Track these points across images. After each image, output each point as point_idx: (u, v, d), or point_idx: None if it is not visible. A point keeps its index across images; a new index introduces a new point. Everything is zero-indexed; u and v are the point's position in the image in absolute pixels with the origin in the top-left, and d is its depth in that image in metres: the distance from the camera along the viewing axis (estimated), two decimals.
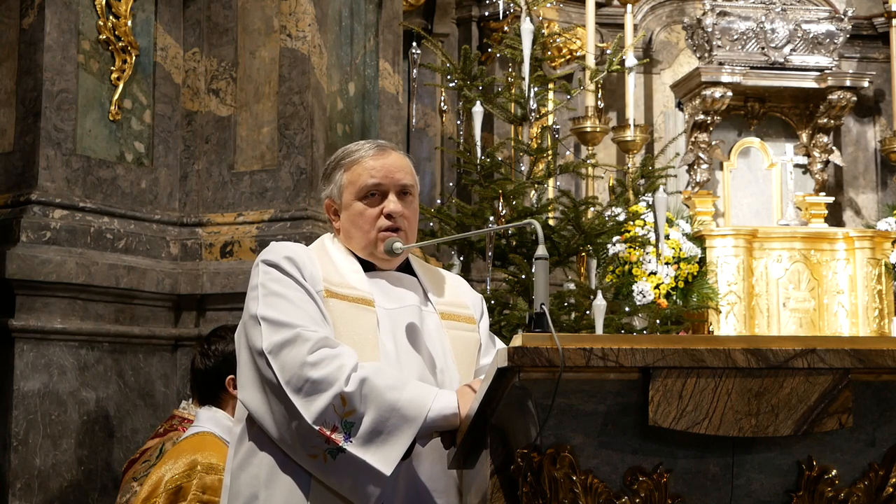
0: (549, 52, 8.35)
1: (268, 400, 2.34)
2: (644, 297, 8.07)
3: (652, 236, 7.49)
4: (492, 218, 5.84)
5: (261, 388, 2.36)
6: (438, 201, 6.91)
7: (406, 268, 2.64)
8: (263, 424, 2.36)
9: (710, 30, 9.10)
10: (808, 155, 9.57)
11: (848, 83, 9.28)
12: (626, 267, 8.34)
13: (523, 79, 6.34)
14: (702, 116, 9.14)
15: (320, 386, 2.28)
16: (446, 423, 2.28)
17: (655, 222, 6.70)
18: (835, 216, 9.64)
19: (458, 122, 6.87)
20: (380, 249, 2.54)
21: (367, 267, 2.57)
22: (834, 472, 2.10)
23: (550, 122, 7.04)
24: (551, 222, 6.46)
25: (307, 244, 2.64)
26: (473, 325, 2.64)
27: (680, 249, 8.54)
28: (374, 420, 2.27)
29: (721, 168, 9.56)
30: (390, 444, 2.26)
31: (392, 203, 2.53)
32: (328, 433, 2.27)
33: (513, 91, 6.66)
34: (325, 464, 2.28)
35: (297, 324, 2.35)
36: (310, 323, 2.36)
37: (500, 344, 2.70)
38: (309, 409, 2.27)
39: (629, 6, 9.02)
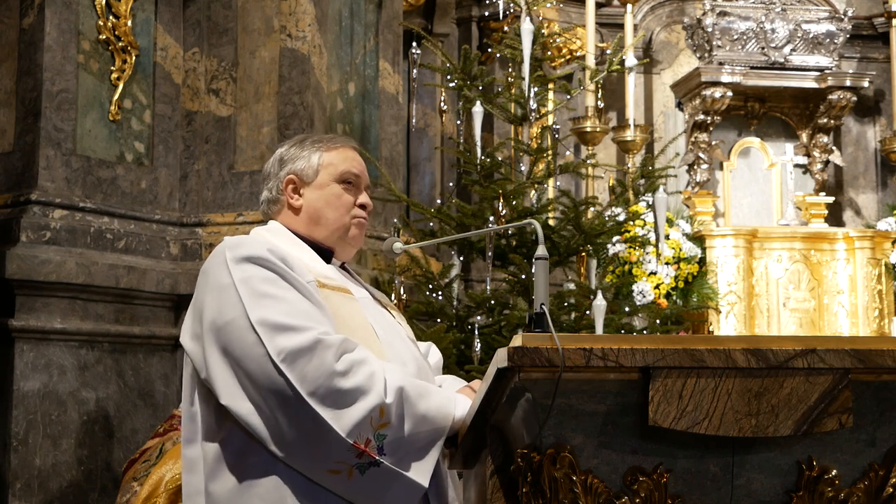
0: (549, 52, 8.34)
1: (272, 411, 2.16)
2: (644, 297, 8.06)
3: (652, 236, 7.49)
4: (492, 218, 5.83)
5: (256, 399, 2.18)
6: (438, 201, 6.90)
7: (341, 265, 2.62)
8: (261, 437, 2.18)
9: (710, 30, 9.10)
10: (808, 155, 9.56)
11: (848, 83, 9.27)
12: (626, 267, 8.34)
13: (523, 79, 6.33)
14: (702, 116, 9.14)
15: (353, 396, 2.15)
16: (461, 428, 2.28)
17: (655, 222, 6.69)
18: (835, 216, 9.63)
19: (458, 122, 6.86)
20: (351, 234, 2.51)
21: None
22: (834, 472, 2.10)
23: (550, 122, 7.03)
24: (551, 222, 6.46)
25: None
26: (401, 315, 2.68)
27: (680, 249, 8.54)
28: (409, 432, 2.19)
29: (721, 168, 9.55)
30: (425, 456, 2.21)
31: (365, 196, 2.54)
32: (362, 446, 2.15)
33: (513, 91, 6.66)
34: (348, 479, 2.16)
35: (308, 326, 2.20)
36: (317, 324, 2.22)
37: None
38: (341, 421, 2.14)
39: (629, 6, 9.01)
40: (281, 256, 2.31)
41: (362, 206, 2.52)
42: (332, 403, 2.15)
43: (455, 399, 2.30)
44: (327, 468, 2.17)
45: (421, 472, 2.20)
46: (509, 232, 5.94)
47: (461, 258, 6.17)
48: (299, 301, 2.26)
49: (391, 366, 2.28)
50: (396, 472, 2.17)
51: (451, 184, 8.08)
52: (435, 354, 2.70)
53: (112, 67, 5.27)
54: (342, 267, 2.59)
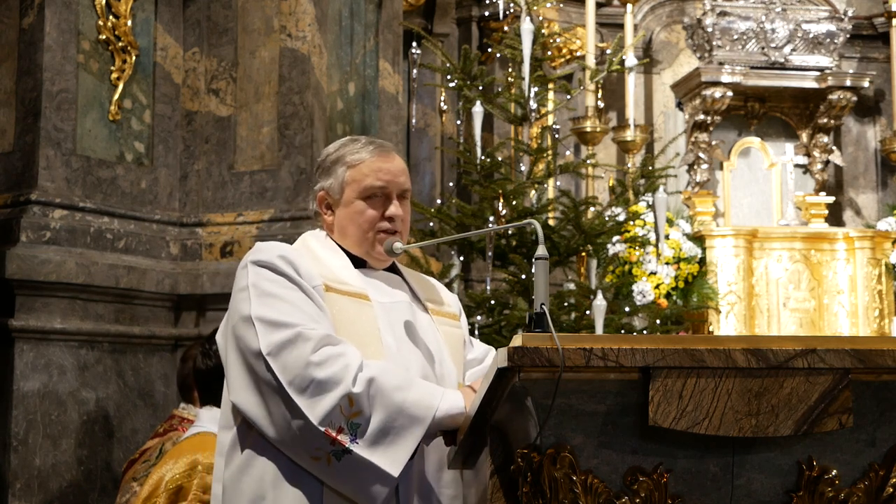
0: (549, 52, 8.35)
1: (265, 402, 2.30)
2: (644, 297, 8.06)
3: (652, 236, 7.49)
4: (492, 218, 5.84)
5: (257, 390, 2.32)
6: (438, 201, 6.90)
7: (391, 268, 2.66)
8: (260, 427, 2.32)
9: (710, 30, 9.10)
10: (808, 155, 9.56)
11: (848, 83, 9.27)
12: (626, 267, 8.34)
13: (523, 79, 6.34)
14: (702, 116, 9.14)
15: (326, 386, 2.25)
16: (453, 423, 2.29)
17: (655, 222, 6.70)
18: (835, 216, 9.63)
19: (458, 122, 6.86)
20: (377, 250, 2.55)
21: (356, 264, 2.56)
22: (834, 472, 2.10)
23: (550, 122, 7.03)
24: (551, 222, 6.46)
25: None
26: (458, 322, 2.71)
27: (680, 249, 8.54)
28: (381, 421, 2.25)
29: (721, 168, 9.55)
30: (398, 445, 2.25)
31: (394, 207, 2.55)
32: (334, 434, 2.24)
33: (513, 91, 6.66)
34: (328, 465, 2.26)
35: (296, 323, 2.31)
36: (308, 321, 2.33)
37: (477, 342, 2.78)
38: (314, 410, 2.24)
39: (629, 6, 9.01)
40: (291, 262, 2.42)
41: (391, 219, 2.54)
42: (307, 392, 2.26)
43: (443, 393, 2.32)
44: (309, 455, 2.28)
45: (391, 462, 2.25)
46: (509, 232, 5.94)
47: (461, 258, 6.18)
48: (302, 301, 2.37)
49: (376, 361, 2.34)
50: (365, 461, 2.24)
51: (451, 184, 8.08)
52: (489, 359, 2.71)
53: (112, 67, 5.27)
54: (391, 268, 2.64)
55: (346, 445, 2.24)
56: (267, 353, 2.29)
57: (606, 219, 6.38)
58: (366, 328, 2.43)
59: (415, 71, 6.90)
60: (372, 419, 2.25)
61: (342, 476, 2.27)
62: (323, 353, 2.28)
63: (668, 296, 8.41)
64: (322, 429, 2.24)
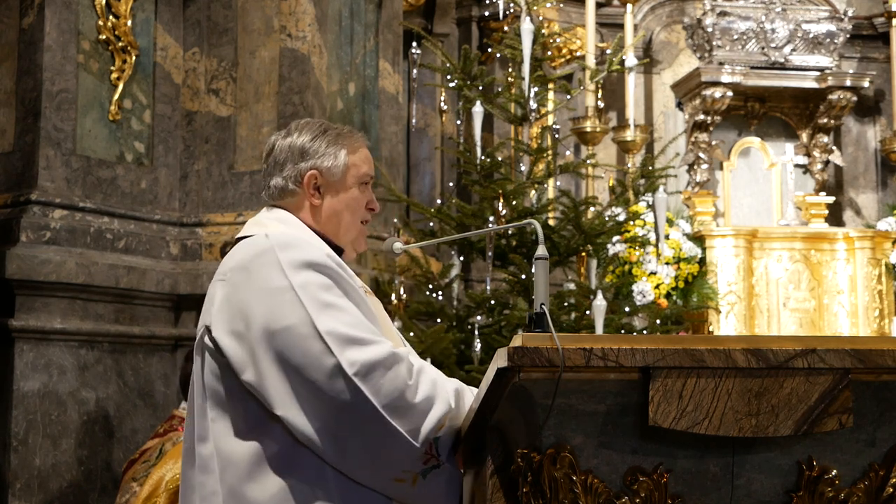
0: (549, 52, 8.34)
1: (338, 423, 2.17)
2: (644, 297, 8.06)
3: (652, 236, 7.49)
4: (492, 218, 5.83)
5: (318, 408, 2.17)
6: (438, 201, 6.90)
7: None
8: (315, 447, 2.18)
9: (710, 30, 9.10)
10: (808, 155, 9.56)
11: (848, 83, 9.26)
12: (626, 267, 8.34)
13: (523, 79, 6.33)
14: (702, 116, 9.14)
15: (425, 406, 2.19)
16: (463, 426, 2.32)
17: (655, 222, 6.69)
18: (835, 216, 9.63)
19: (458, 122, 6.86)
20: (359, 241, 2.50)
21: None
22: (834, 472, 2.10)
23: (550, 122, 7.03)
24: (551, 222, 6.46)
25: None
26: None
27: (680, 249, 8.54)
28: (454, 431, 2.23)
29: (721, 168, 9.55)
30: (458, 449, 2.25)
31: (374, 198, 2.51)
32: (431, 452, 2.19)
33: (513, 91, 6.66)
34: (413, 486, 2.21)
35: (374, 339, 2.20)
36: (379, 336, 2.23)
37: None
38: (416, 432, 2.17)
39: (629, 6, 9.01)
40: (338, 262, 2.29)
41: (371, 209, 2.50)
42: (407, 415, 2.17)
43: (471, 392, 2.33)
44: (393, 477, 2.20)
45: (460, 467, 2.26)
46: (509, 232, 5.93)
47: (461, 258, 6.17)
48: (355, 311, 2.24)
49: (432, 368, 2.31)
50: (455, 471, 2.24)
51: (451, 184, 8.08)
52: None
53: (112, 67, 5.27)
54: None
55: (440, 460, 2.21)
56: (353, 372, 2.14)
57: (606, 219, 6.38)
58: (389, 328, 2.41)
59: (415, 71, 6.90)
60: (450, 431, 2.22)
61: (426, 493, 2.23)
62: (413, 372, 2.20)
63: (668, 296, 8.41)
64: (423, 449, 2.18)
